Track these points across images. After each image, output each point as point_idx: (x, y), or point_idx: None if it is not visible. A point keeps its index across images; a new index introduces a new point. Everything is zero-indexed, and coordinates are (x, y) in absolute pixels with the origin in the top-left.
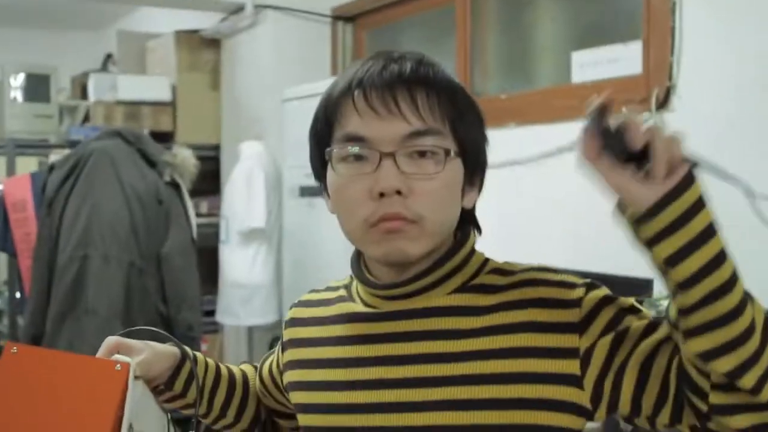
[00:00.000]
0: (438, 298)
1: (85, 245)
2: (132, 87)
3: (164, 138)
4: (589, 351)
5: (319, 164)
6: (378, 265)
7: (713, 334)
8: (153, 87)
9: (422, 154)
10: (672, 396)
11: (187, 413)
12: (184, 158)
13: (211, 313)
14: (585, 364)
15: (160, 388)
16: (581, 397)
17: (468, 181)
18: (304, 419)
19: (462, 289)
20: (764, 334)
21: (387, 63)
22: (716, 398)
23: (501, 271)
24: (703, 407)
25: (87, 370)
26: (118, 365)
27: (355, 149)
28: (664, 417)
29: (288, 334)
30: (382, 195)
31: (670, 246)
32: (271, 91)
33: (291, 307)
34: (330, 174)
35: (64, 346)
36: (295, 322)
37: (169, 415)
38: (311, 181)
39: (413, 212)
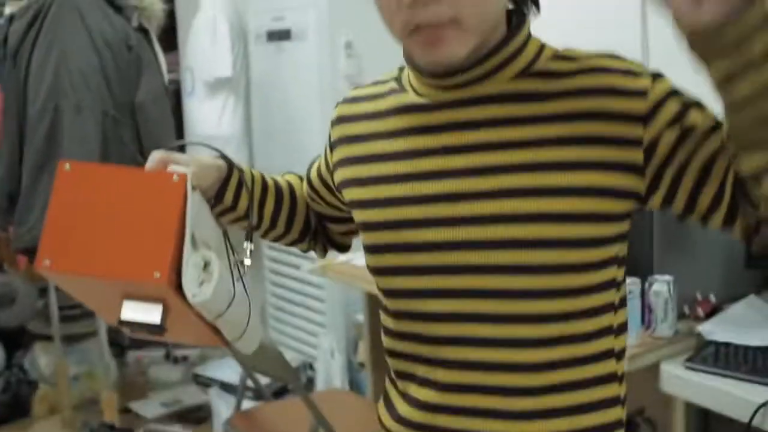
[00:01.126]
0: (498, 85)
1: (56, 96)
2: None
3: None
4: (654, 142)
5: None
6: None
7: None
8: None
9: None
10: (727, 200)
11: (236, 227)
12: (151, 1)
13: None
14: (648, 155)
15: (211, 202)
16: (639, 184)
17: None
18: (361, 215)
19: (523, 74)
20: None
21: None
22: None
23: (563, 57)
24: (754, 218)
25: (144, 183)
26: (176, 176)
27: None
28: (717, 219)
29: (337, 132)
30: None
31: (727, 65)
32: None
33: (336, 106)
34: None
35: (42, 201)
36: (343, 119)
37: (224, 227)
38: (279, 25)
39: (448, 15)
